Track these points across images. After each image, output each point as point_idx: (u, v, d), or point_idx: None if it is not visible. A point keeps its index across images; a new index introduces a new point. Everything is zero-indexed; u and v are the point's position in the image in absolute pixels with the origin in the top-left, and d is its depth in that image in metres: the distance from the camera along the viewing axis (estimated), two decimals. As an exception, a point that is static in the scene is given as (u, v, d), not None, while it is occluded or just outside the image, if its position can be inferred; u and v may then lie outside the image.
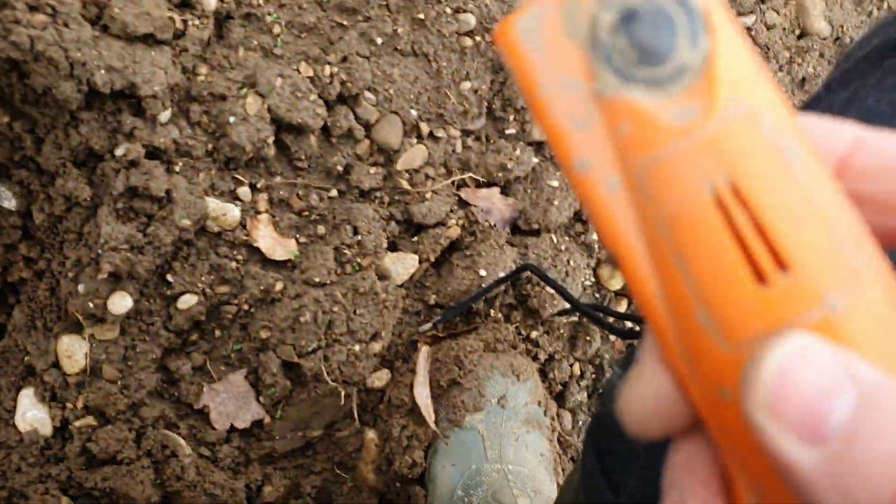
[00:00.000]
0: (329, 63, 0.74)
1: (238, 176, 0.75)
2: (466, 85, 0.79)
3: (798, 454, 0.20)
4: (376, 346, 0.79)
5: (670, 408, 0.24)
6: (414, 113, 0.77)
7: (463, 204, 0.82)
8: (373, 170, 0.77)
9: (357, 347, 0.78)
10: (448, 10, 0.77)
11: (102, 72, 0.66)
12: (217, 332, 0.77)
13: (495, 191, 0.83)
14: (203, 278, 0.73)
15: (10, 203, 0.73)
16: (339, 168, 0.76)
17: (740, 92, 0.22)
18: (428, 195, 0.79)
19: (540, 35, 0.24)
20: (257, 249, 0.75)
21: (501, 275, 0.80)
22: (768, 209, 0.21)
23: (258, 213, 0.76)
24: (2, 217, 0.71)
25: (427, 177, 0.79)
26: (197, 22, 0.70)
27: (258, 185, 0.76)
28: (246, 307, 0.75)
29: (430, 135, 0.78)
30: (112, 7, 0.66)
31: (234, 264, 0.75)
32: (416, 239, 0.80)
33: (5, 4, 0.61)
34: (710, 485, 0.23)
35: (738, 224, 0.21)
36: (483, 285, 0.79)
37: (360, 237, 0.77)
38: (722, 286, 0.21)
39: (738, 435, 0.21)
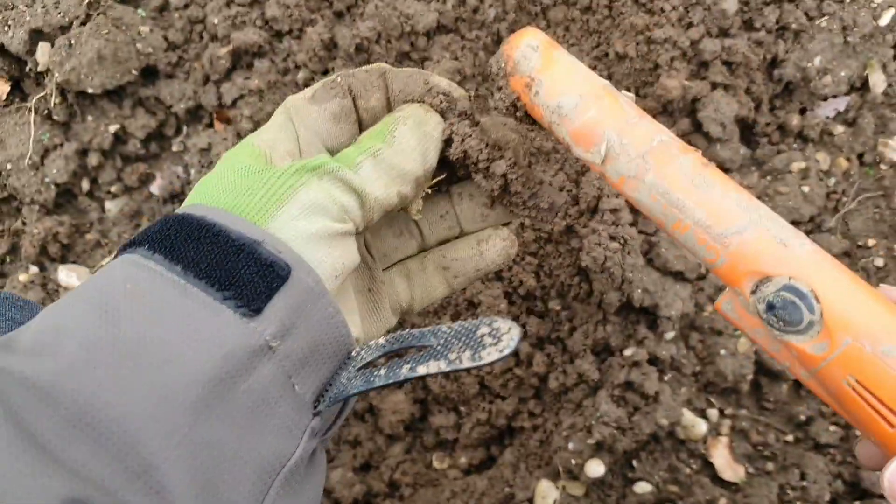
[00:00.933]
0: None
1: (712, 399, 0.89)
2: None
3: None
4: (797, 590, 0.83)
5: (881, 454, 0.41)
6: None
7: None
8: (832, 428, 0.86)
9: (778, 584, 0.83)
10: None
11: (639, 291, 0.87)
12: (655, 524, 0.88)
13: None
14: (661, 473, 0.87)
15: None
16: (802, 417, 0.87)
17: (846, 331, 0.38)
18: (882, 466, 0.84)
19: (736, 312, 0.42)
20: (711, 465, 0.88)
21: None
22: (881, 390, 0.37)
23: (719, 434, 0.89)
24: (525, 374, 0.93)
25: (884, 450, 0.85)
26: (717, 272, 0.89)
27: (726, 412, 0.89)
28: (689, 510, 0.87)
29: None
30: (660, 246, 0.88)
31: (688, 470, 0.87)
32: (857, 503, 0.85)
33: (594, 231, 0.86)
34: None
35: (869, 400, 0.37)
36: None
37: (805, 483, 0.85)
38: (873, 429, 0.38)
39: None
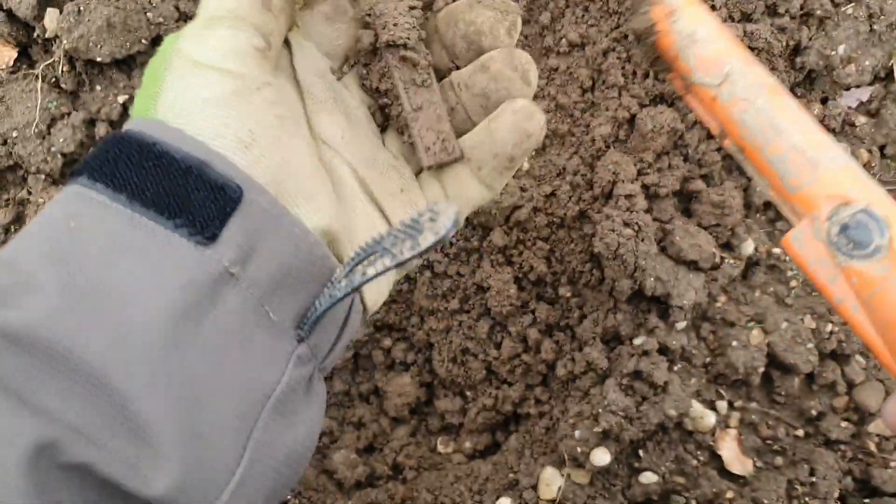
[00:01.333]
0: (832, 322, 0.86)
1: (721, 390, 0.88)
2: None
3: None
4: (802, 586, 0.82)
5: None
6: (898, 387, 0.84)
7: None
8: (844, 424, 0.85)
9: (782, 580, 0.82)
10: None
11: (652, 279, 0.85)
12: (660, 515, 0.87)
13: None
14: (667, 464, 0.86)
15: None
16: (813, 413, 0.85)
17: None
18: (893, 464, 0.83)
19: (803, 242, 0.45)
20: (718, 457, 0.86)
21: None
22: None
23: (728, 427, 0.88)
24: (533, 361, 0.92)
25: None
26: (731, 261, 0.88)
27: (735, 404, 0.88)
28: (693, 502, 0.86)
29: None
30: (674, 235, 0.86)
31: (695, 462, 0.86)
32: (867, 501, 0.84)
33: (608, 217, 0.84)
34: None
35: None
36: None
37: (814, 479, 0.84)
38: None
39: None
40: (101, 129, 0.95)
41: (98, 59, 0.91)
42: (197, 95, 0.38)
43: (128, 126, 0.39)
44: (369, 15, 0.50)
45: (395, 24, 0.49)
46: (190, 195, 0.36)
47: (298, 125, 0.43)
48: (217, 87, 0.39)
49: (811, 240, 0.45)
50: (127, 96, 0.94)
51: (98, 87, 0.94)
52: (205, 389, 0.35)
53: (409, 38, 0.49)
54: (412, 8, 0.50)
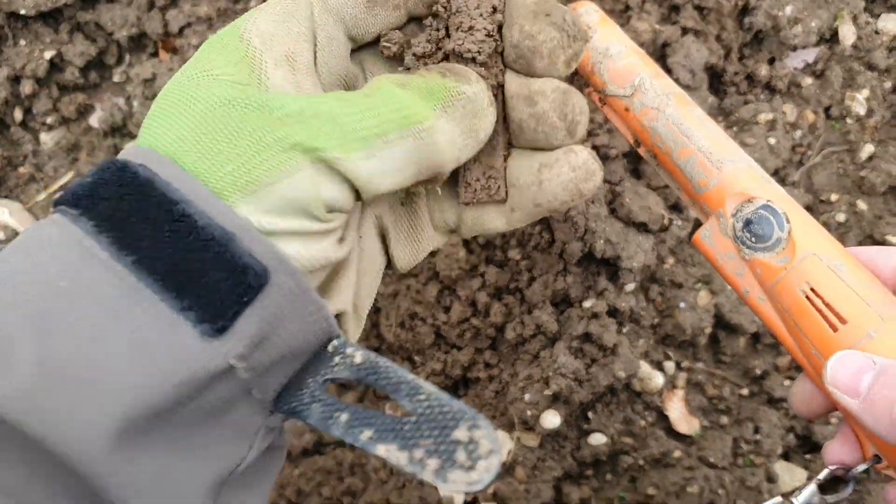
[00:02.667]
0: (777, 283, 0.86)
1: (669, 352, 0.88)
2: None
3: (848, 402, 0.41)
4: (746, 541, 0.84)
5: (812, 397, 0.47)
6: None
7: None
8: (787, 382, 0.86)
9: (727, 535, 0.84)
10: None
11: (602, 241, 0.85)
12: (608, 476, 0.88)
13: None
14: (616, 425, 0.86)
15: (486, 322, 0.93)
16: (758, 372, 0.87)
17: (807, 245, 0.46)
18: (833, 420, 0.85)
19: (712, 238, 0.49)
20: (666, 417, 0.87)
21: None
22: (831, 295, 0.44)
23: (675, 387, 0.88)
24: (482, 325, 0.91)
25: (836, 405, 0.86)
26: (679, 223, 0.88)
27: (682, 365, 0.88)
28: (641, 462, 0.86)
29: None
30: (624, 197, 0.86)
31: (643, 422, 0.87)
32: (808, 457, 0.86)
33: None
34: (850, 437, 0.46)
35: (818, 306, 0.44)
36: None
37: (758, 437, 0.85)
38: (818, 336, 0.44)
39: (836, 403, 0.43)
40: (27, 87, 0.89)
41: (22, 11, 0.86)
42: (282, 224, 0.34)
43: (147, 160, 0.33)
44: (445, 7, 0.41)
45: (469, 29, 0.40)
46: (207, 274, 0.31)
47: None
48: (308, 228, 0.35)
49: (719, 236, 0.49)
50: (54, 52, 0.89)
51: (22, 42, 0.89)
52: (170, 477, 0.31)
53: (479, 52, 0.40)
54: (495, 10, 0.41)
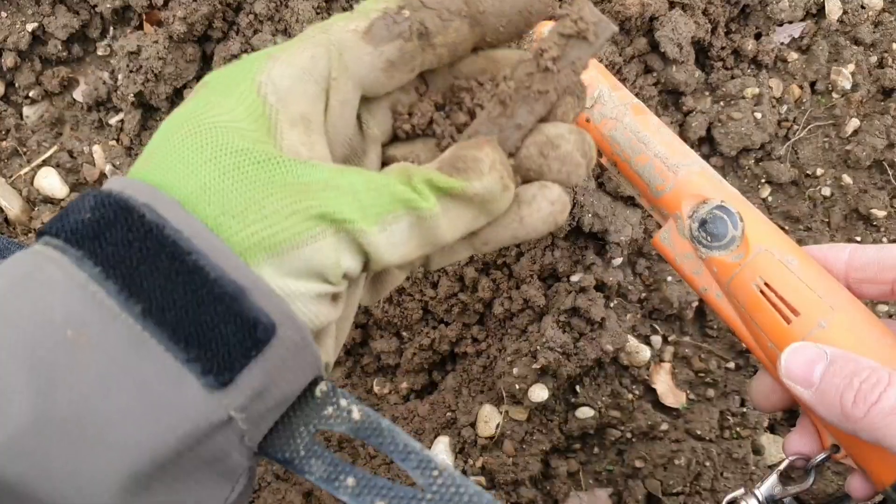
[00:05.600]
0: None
1: (656, 326, 0.89)
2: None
3: (802, 392, 0.43)
4: (733, 512, 0.85)
5: (772, 391, 0.51)
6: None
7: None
8: (773, 355, 0.87)
9: (714, 507, 0.84)
10: None
11: (590, 215, 0.85)
12: (596, 449, 0.88)
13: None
14: (603, 399, 0.87)
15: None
16: (744, 345, 0.87)
17: (760, 242, 0.48)
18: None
19: (670, 239, 0.51)
20: (653, 391, 0.87)
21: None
22: (783, 288, 0.46)
23: (662, 361, 0.89)
24: (470, 300, 0.91)
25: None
26: (667, 197, 0.88)
27: (669, 339, 0.89)
28: (629, 435, 0.87)
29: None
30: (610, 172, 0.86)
31: (630, 396, 0.87)
32: (794, 428, 0.87)
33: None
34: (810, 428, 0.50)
35: (772, 299, 0.46)
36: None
37: (745, 410, 0.86)
38: (772, 328, 0.46)
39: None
40: (9, 60, 0.88)
41: (3, -17, 0.84)
42: (302, 288, 0.34)
43: (157, 202, 0.32)
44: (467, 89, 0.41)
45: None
46: (216, 327, 0.31)
47: None
48: (324, 290, 0.35)
49: (677, 236, 0.51)
50: (36, 24, 0.88)
51: (3, 14, 0.88)
52: None
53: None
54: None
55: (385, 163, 0.42)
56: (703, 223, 0.49)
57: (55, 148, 0.89)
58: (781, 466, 0.49)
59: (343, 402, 0.35)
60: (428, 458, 0.34)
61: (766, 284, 0.46)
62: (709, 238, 0.49)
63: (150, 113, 0.91)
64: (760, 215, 0.50)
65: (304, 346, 0.33)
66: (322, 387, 0.35)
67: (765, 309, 0.46)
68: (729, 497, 0.49)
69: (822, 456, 0.48)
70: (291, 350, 0.33)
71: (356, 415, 0.35)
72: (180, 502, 0.32)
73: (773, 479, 0.48)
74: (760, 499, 0.49)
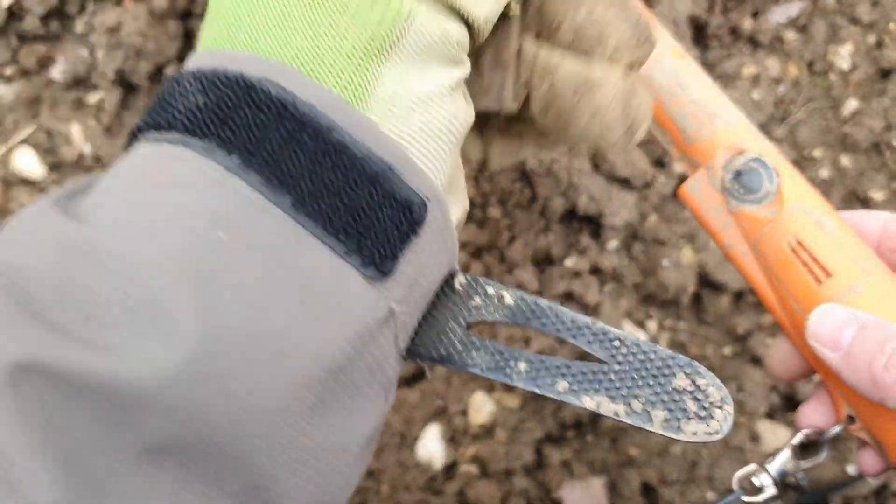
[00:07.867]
0: (760, 240, 0.85)
1: (651, 311, 0.87)
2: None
3: (829, 355, 0.41)
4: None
5: (791, 359, 0.47)
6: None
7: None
8: (770, 341, 0.85)
9: (710, 495, 0.83)
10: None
11: (584, 197, 0.83)
12: (590, 438, 0.86)
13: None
14: (598, 385, 0.85)
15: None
16: (741, 331, 0.85)
17: (795, 199, 0.45)
18: (815, 378, 0.84)
19: (699, 190, 0.48)
20: (648, 377, 0.85)
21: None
22: (817, 248, 0.44)
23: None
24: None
25: (819, 363, 0.85)
26: (663, 179, 0.86)
27: (665, 324, 0.87)
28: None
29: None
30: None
31: (625, 383, 0.85)
32: (792, 417, 0.85)
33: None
34: (824, 400, 0.47)
35: (804, 259, 0.44)
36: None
37: (742, 397, 0.84)
38: (801, 289, 0.44)
39: (816, 360, 0.44)
40: (-16, 36, 0.85)
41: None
42: (426, 85, 0.30)
43: (276, 74, 0.28)
44: None
45: None
46: (372, 212, 0.28)
47: None
48: (450, 78, 0.31)
49: (707, 188, 0.49)
50: (11, 0, 0.85)
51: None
52: (336, 439, 0.29)
53: None
54: None
55: None
56: (737, 174, 0.47)
57: (33, 127, 0.86)
58: (794, 440, 0.47)
59: (490, 290, 0.33)
60: (604, 330, 0.33)
61: (798, 243, 0.44)
62: (742, 191, 0.46)
63: (130, 91, 0.88)
64: (798, 173, 0.47)
65: (447, 227, 0.31)
66: (461, 279, 0.33)
67: (795, 268, 0.44)
68: (741, 472, 0.47)
69: (837, 428, 0.46)
70: (436, 233, 0.30)
71: (509, 300, 0.32)
72: (352, 427, 0.29)
73: (786, 453, 0.47)
74: (773, 474, 0.47)
